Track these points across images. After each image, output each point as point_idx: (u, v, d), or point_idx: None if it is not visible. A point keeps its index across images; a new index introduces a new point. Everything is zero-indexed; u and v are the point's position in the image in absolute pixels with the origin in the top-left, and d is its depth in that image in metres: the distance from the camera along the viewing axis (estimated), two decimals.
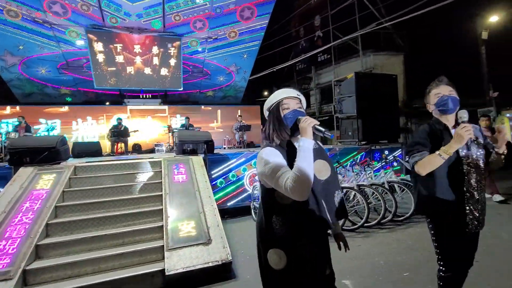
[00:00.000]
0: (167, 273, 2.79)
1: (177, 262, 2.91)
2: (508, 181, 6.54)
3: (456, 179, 1.69)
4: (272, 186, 1.33)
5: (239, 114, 11.95)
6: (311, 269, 1.36)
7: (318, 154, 1.43)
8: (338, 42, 13.08)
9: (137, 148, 10.78)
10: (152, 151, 10.35)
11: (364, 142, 7.01)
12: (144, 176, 4.46)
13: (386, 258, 3.22)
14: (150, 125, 11.54)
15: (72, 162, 4.84)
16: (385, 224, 4.41)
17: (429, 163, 1.63)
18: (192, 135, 5.30)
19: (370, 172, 5.20)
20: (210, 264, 2.95)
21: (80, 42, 9.86)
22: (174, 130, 10.14)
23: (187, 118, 10.64)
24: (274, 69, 12.61)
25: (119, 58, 10.02)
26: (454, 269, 1.78)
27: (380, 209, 4.53)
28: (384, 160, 5.68)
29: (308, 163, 1.22)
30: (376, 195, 4.58)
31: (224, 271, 3.01)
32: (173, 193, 3.95)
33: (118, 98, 11.63)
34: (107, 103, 11.36)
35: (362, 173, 4.94)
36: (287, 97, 1.41)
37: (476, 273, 2.30)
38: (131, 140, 10.09)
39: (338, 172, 4.93)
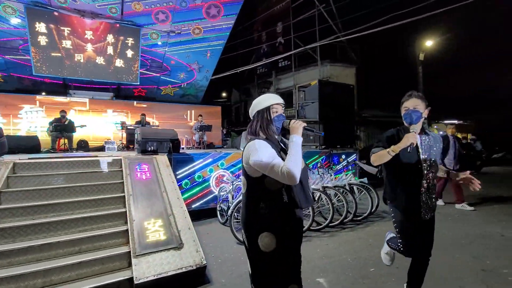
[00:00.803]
0: (136, 282, 2.54)
1: (146, 269, 2.68)
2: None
3: (416, 175, 2.07)
4: (260, 175, 1.51)
5: (199, 114, 11.63)
6: (296, 247, 1.58)
7: None
8: (298, 51, 13.64)
9: (83, 145, 9.69)
10: (101, 149, 9.42)
11: (323, 146, 7.41)
12: (101, 176, 4.03)
13: (352, 256, 3.42)
14: (99, 121, 10.52)
15: (10, 158, 4.14)
16: (347, 223, 4.70)
17: (380, 156, 2.02)
18: (157, 133, 4.97)
19: (332, 175, 5.50)
20: (184, 270, 2.78)
21: (16, 21, 8.53)
22: (129, 127, 9.43)
23: (143, 115, 9.99)
24: (238, 71, 12.59)
25: (66, 43, 8.93)
26: (413, 254, 2.20)
27: (342, 209, 4.82)
28: (344, 164, 6.06)
29: (299, 155, 1.50)
30: (338, 196, 4.85)
31: (199, 276, 2.87)
32: (137, 194, 3.65)
33: (61, 89, 10.35)
34: (44, 93, 9.99)
35: (326, 176, 5.20)
36: (277, 103, 1.67)
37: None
38: (76, 136, 9.06)
39: None
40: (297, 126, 1.57)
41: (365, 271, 3.01)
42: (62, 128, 8.44)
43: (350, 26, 11.69)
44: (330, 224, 4.51)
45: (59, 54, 8.99)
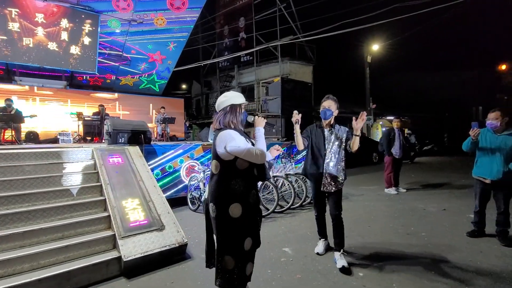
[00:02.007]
0: (125, 259, 2.79)
1: (133, 249, 2.93)
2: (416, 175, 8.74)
3: (320, 159, 2.90)
4: (232, 158, 1.92)
5: (162, 106, 11.46)
6: (255, 211, 2.04)
7: (248, 136, 2.21)
8: (260, 48, 14.11)
9: (32, 137, 8.98)
10: (54, 141, 8.83)
11: (285, 139, 8.06)
12: (74, 167, 4.04)
13: (311, 230, 4.05)
14: (50, 111, 9.78)
15: None
16: (305, 206, 5.38)
17: (296, 138, 2.87)
18: (128, 124, 5.03)
19: (293, 164, 6.14)
20: (168, 247, 3.09)
21: None
22: (86, 119, 8.99)
23: (102, 106, 9.57)
24: (201, 64, 12.62)
25: (14, 26, 8.11)
26: (320, 213, 3.14)
27: (302, 194, 5.48)
28: (304, 154, 6.76)
29: (264, 142, 2.02)
30: (299, 182, 5.50)
31: (181, 252, 3.20)
32: (114, 183, 3.79)
33: (4, 75, 9.35)
34: None
35: (288, 165, 5.81)
36: (244, 103, 2.12)
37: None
38: (24, 127, 8.36)
39: (268, 163, 5.64)
40: (261, 121, 2.11)
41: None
42: (8, 118, 7.74)
43: (308, 27, 12.52)
44: (291, 207, 5.13)
45: (5, 37, 8.14)
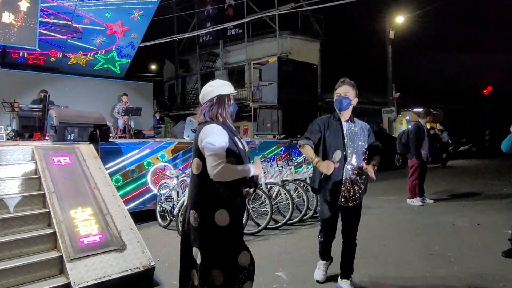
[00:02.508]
0: (75, 287, 2.87)
1: (86, 274, 3.00)
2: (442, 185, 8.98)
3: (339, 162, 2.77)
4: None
5: (124, 92, 11.47)
6: (241, 222, 2.21)
7: (238, 134, 2.31)
8: (253, 18, 14.21)
9: None
10: None
11: (283, 136, 8.21)
12: (9, 171, 4.07)
13: (311, 250, 4.18)
14: None
15: None
16: (306, 220, 5.52)
17: (306, 153, 2.84)
18: (79, 116, 5.08)
19: (292, 168, 6.28)
20: (130, 272, 3.17)
21: None
22: (23, 109, 8.93)
23: (45, 92, 9.49)
24: (176, 38, 12.67)
25: None
26: (325, 237, 3.09)
27: (302, 205, 5.62)
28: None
29: (243, 174, 2.09)
30: (299, 190, 5.64)
31: (147, 278, 3.29)
32: (61, 191, 3.84)
33: None
34: None
35: (285, 169, 5.94)
36: (233, 93, 2.26)
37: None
38: None
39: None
40: (259, 171, 2.19)
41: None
42: None
43: None
44: (289, 222, 5.26)
45: None
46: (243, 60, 16.62)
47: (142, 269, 3.26)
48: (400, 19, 16.57)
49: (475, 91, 23.65)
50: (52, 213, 3.53)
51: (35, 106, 8.92)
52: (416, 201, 6.66)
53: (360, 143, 2.89)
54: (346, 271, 3.07)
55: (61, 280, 3.00)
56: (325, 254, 3.25)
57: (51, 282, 2.99)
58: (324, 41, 16.86)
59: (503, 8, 25.24)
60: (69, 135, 4.90)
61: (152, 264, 3.34)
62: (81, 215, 3.59)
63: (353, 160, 2.84)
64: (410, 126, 8.22)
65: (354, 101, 2.89)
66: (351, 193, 2.84)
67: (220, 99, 2.17)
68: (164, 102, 22.75)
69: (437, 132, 14.13)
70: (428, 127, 7.45)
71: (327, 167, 2.63)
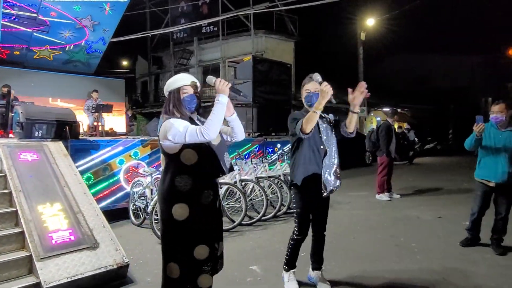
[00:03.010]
0: (46, 286, 2.80)
1: (57, 273, 2.95)
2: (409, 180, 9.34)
3: (317, 154, 2.86)
4: (177, 151, 2.08)
5: (94, 89, 11.17)
6: (207, 215, 2.17)
7: None
8: (228, 17, 14.20)
9: None
10: None
11: (257, 134, 8.30)
12: None
13: (284, 244, 4.24)
14: None
15: None
16: (280, 216, 5.64)
17: (309, 120, 2.62)
18: (47, 112, 4.93)
19: (266, 165, 6.38)
20: (103, 270, 3.15)
21: None
22: None
23: (8, 87, 9.08)
24: (149, 34, 12.44)
25: None
26: (302, 235, 2.99)
27: (275, 202, 5.73)
28: (279, 153, 7.04)
29: (220, 113, 2.04)
30: (273, 187, 5.75)
31: (121, 276, 3.27)
32: (29, 190, 3.73)
33: None
34: None
35: (259, 166, 6.03)
36: (186, 84, 2.20)
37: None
38: None
39: (236, 164, 5.81)
40: (223, 88, 2.06)
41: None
42: None
43: None
44: (262, 218, 5.36)
45: None
46: (218, 58, 16.55)
47: (115, 266, 3.24)
48: (370, 22, 17.11)
49: (440, 92, 24.85)
50: (19, 212, 3.43)
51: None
52: (384, 196, 6.96)
53: (333, 135, 3.00)
54: (318, 263, 3.17)
55: (30, 280, 2.94)
56: (294, 256, 3.13)
57: (20, 282, 2.91)
58: (298, 41, 17.12)
59: (467, 13, 26.65)
60: (36, 132, 4.74)
61: (126, 262, 3.33)
62: (49, 211, 3.53)
63: (331, 153, 2.92)
64: (376, 125, 8.57)
65: None
66: (331, 183, 2.90)
67: (172, 95, 2.19)
68: (136, 99, 22.26)
69: (404, 131, 14.76)
70: (396, 126, 7.82)
71: (326, 87, 2.51)
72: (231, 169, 2.30)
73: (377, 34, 19.07)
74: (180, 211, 2.09)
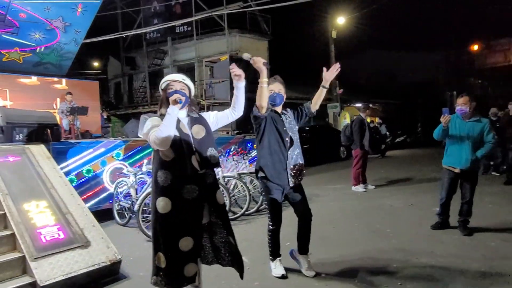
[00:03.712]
0: (42, 284, 2.87)
1: (51, 271, 3.02)
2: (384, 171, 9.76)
3: (281, 147, 3.07)
4: (156, 147, 2.24)
5: (68, 91, 10.97)
6: (191, 210, 2.28)
7: (196, 121, 2.42)
8: (201, 17, 14.23)
9: None
10: None
11: (236, 132, 8.48)
12: None
13: None
14: None
15: None
16: (263, 210, 5.85)
17: (258, 95, 2.81)
18: (28, 116, 4.90)
19: (247, 162, 6.59)
20: (97, 266, 3.24)
21: None
22: None
23: None
24: (123, 35, 12.33)
25: None
26: (277, 224, 3.22)
27: (257, 197, 5.95)
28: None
29: (166, 124, 2.16)
30: (254, 182, 5.96)
31: (114, 272, 3.38)
32: (15, 192, 3.75)
33: None
34: None
35: (241, 162, 6.23)
36: (174, 80, 2.39)
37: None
38: None
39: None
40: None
41: (281, 246, 4.13)
42: None
43: None
44: (246, 213, 5.56)
45: None
46: (193, 57, 16.51)
47: (108, 263, 3.34)
48: (341, 20, 17.68)
49: (408, 87, 25.98)
50: (8, 214, 3.45)
51: None
52: (359, 188, 7.34)
53: (296, 129, 3.24)
54: (304, 246, 3.37)
55: (26, 280, 2.99)
56: (276, 245, 3.33)
57: (15, 282, 2.97)
58: (272, 39, 17.41)
59: (432, 10, 27.97)
60: (17, 136, 4.71)
61: (118, 258, 3.44)
62: (36, 209, 3.61)
63: (295, 145, 3.15)
64: (350, 120, 8.96)
65: (284, 97, 3.20)
66: (298, 173, 3.15)
67: (162, 93, 2.43)
68: (109, 100, 21.80)
69: (376, 125, 15.39)
70: (369, 120, 8.22)
71: (257, 60, 2.64)
72: (216, 164, 2.38)
73: (348, 32, 19.71)
74: (162, 204, 2.23)
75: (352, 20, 18.25)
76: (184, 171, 2.24)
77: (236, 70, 2.39)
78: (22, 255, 3.14)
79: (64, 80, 12.08)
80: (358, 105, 19.91)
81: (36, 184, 3.99)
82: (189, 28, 16.35)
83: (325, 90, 3.16)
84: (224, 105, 8.48)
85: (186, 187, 2.25)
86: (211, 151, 2.36)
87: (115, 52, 20.80)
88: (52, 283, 2.95)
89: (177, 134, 2.26)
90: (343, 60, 21.31)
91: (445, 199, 4.43)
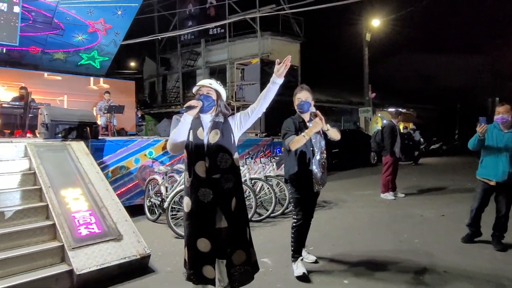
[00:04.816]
0: (78, 273, 3.10)
1: (87, 261, 3.24)
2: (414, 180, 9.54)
3: (309, 155, 3.29)
4: (183, 151, 2.49)
5: (106, 90, 11.52)
6: (205, 213, 2.38)
7: (217, 126, 2.48)
8: (234, 19, 14.45)
9: None
10: None
11: (265, 134, 8.56)
12: (2, 166, 4.22)
13: None
14: None
15: None
16: (288, 214, 5.89)
17: (298, 141, 3.13)
18: (70, 114, 5.24)
19: (274, 164, 6.64)
20: (127, 259, 3.43)
21: None
22: (4, 106, 8.87)
23: (25, 89, 9.45)
24: (159, 37, 12.77)
25: None
26: (302, 219, 3.45)
27: (283, 200, 5.99)
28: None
29: (177, 131, 2.41)
30: (281, 186, 6.01)
31: (143, 265, 3.56)
32: (57, 186, 4.04)
33: None
34: None
35: (268, 165, 6.30)
36: (202, 86, 2.53)
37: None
38: None
39: (245, 163, 6.08)
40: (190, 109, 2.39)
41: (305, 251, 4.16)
42: None
43: None
44: (271, 215, 5.62)
45: None
46: (225, 59, 16.80)
47: (138, 256, 3.52)
48: (376, 22, 17.28)
49: (446, 92, 24.90)
50: (50, 206, 3.73)
51: (17, 103, 8.87)
52: (389, 195, 7.18)
53: (320, 137, 3.39)
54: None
55: (64, 267, 3.22)
56: (298, 244, 3.52)
57: (54, 269, 3.20)
58: (304, 42, 17.32)
59: (475, 12, 26.65)
60: (60, 133, 5.05)
61: (147, 252, 3.61)
62: (72, 198, 3.94)
63: (318, 154, 3.34)
64: (383, 123, 8.75)
65: (312, 104, 3.38)
66: (320, 180, 3.36)
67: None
68: (144, 99, 22.63)
69: (409, 131, 14.92)
70: (401, 126, 8.02)
71: (319, 123, 3.04)
72: (226, 170, 2.39)
73: (382, 34, 19.24)
74: (186, 202, 2.45)
75: (387, 21, 17.78)
76: (190, 175, 2.42)
77: (288, 63, 2.47)
78: (61, 244, 3.39)
79: (101, 79, 12.66)
80: (391, 110, 19.39)
81: (75, 179, 4.28)
82: (222, 30, 16.64)
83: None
84: None
85: (201, 189, 2.38)
86: (222, 157, 2.41)
87: (151, 53, 21.57)
88: (87, 272, 3.16)
89: (192, 139, 2.42)
90: (377, 62, 20.84)
91: (476, 211, 4.27)
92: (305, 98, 3.29)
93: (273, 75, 2.47)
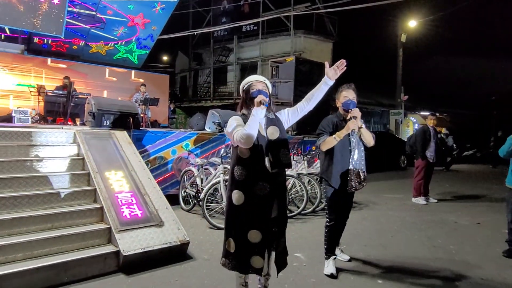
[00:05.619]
0: (125, 254, 3.29)
1: (132, 244, 3.43)
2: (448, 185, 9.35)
3: (346, 155, 3.29)
4: (236, 145, 2.43)
5: (142, 82, 11.89)
6: (261, 205, 2.43)
7: (272, 122, 2.54)
8: (268, 17, 14.48)
9: None
10: (7, 119, 9.21)
11: (296, 132, 8.58)
12: (54, 151, 4.50)
13: None
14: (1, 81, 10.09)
15: None
16: (318, 212, 5.92)
17: (328, 143, 3.23)
18: (115, 105, 5.49)
19: (306, 162, 6.67)
20: (169, 245, 3.60)
21: None
22: (49, 94, 9.35)
23: (68, 78, 9.93)
24: (195, 33, 13.02)
25: None
26: (336, 220, 3.49)
27: (314, 198, 6.01)
28: (318, 151, 7.29)
29: (251, 125, 2.32)
30: (312, 183, 6.04)
31: (183, 252, 3.72)
32: (103, 171, 4.27)
33: None
34: None
35: (300, 162, 6.34)
36: (256, 81, 2.56)
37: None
38: None
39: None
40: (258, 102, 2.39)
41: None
42: None
43: None
44: (302, 212, 5.67)
45: None
46: (256, 56, 16.91)
47: (179, 243, 3.68)
48: (412, 24, 16.79)
49: (483, 97, 23.84)
50: (98, 190, 3.95)
51: (60, 92, 9.33)
52: (420, 200, 7.04)
53: (358, 138, 3.37)
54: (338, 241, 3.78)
55: (111, 248, 3.42)
56: (331, 243, 3.54)
57: (102, 249, 3.41)
58: (337, 41, 17.11)
59: None
60: (105, 121, 5.31)
61: (187, 239, 3.77)
62: (116, 180, 4.16)
63: (356, 153, 3.31)
64: (416, 127, 8.53)
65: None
66: (357, 181, 3.30)
67: (243, 93, 2.57)
68: (175, 93, 23.14)
69: (442, 136, 14.44)
70: (443, 131, 7.75)
71: (352, 124, 3.09)
72: (287, 165, 2.53)
73: (418, 35, 18.66)
74: (236, 196, 2.44)
75: (424, 23, 17.23)
76: (257, 169, 2.42)
77: (343, 66, 2.58)
78: (108, 226, 3.60)
79: (133, 72, 13.01)
80: (423, 113, 18.80)
81: (119, 165, 4.50)
82: (255, 27, 16.74)
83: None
84: (285, 105, 8.60)
85: (258, 183, 2.40)
86: (283, 152, 2.49)
87: (184, 48, 21.99)
88: (132, 253, 3.35)
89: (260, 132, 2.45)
90: (411, 64, 20.26)
91: None
92: (353, 97, 3.32)
93: (325, 76, 2.53)
